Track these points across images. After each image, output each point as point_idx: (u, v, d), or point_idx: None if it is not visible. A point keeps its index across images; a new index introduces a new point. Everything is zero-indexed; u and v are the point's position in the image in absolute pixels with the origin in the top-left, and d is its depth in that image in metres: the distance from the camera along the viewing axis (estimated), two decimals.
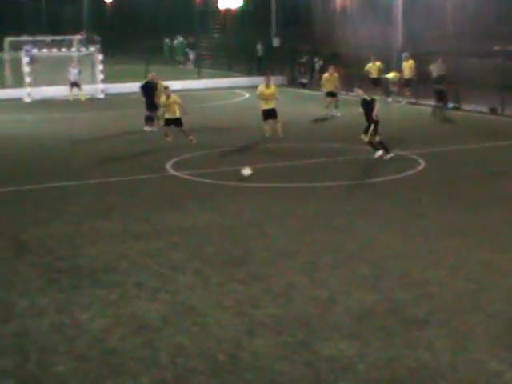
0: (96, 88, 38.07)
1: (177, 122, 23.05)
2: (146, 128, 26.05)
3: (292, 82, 42.61)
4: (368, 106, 20.42)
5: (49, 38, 45.81)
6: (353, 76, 35.98)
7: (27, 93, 36.48)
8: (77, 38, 46.58)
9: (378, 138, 20.18)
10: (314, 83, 40.87)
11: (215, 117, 30.37)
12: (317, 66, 40.59)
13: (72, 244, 13.28)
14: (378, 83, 34.94)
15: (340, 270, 11.68)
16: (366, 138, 20.27)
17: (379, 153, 20.12)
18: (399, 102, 33.94)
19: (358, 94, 21.45)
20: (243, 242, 13.21)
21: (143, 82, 26.78)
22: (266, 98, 24.07)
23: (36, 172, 19.64)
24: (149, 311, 10.10)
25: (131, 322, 9.77)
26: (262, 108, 24.20)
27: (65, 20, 68.15)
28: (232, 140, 24.01)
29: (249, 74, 45.76)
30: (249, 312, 10.01)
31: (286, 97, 38.12)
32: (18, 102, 35.90)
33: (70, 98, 36.06)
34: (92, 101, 36.54)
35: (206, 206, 15.76)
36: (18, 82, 37.85)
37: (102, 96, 37.74)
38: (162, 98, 23.26)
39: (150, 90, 25.85)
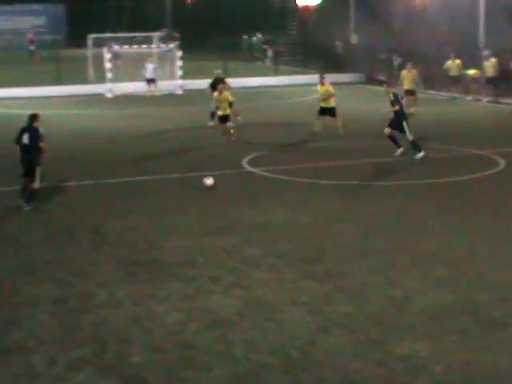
0: (175, 84, 38.43)
1: (225, 118, 22.90)
2: (210, 123, 26.37)
3: (370, 80, 42.26)
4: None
5: (130, 35, 46.45)
6: (432, 73, 35.48)
7: (108, 88, 37.08)
8: (157, 34, 47.06)
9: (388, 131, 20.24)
10: (393, 80, 40.44)
11: (291, 113, 30.34)
12: (395, 64, 40.16)
13: (150, 237, 13.46)
14: (457, 81, 34.40)
15: (415, 269, 11.54)
16: (411, 137, 20.05)
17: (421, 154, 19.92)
18: (479, 100, 33.33)
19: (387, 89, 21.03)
20: (318, 240, 13.17)
21: (212, 80, 27.00)
22: (322, 97, 23.89)
23: (116, 165, 19.93)
24: (223, 306, 10.16)
25: (206, 316, 9.85)
26: (319, 105, 24.06)
27: (146, 17, 69.08)
28: (308, 137, 23.93)
29: (326, 71, 45.52)
30: (323, 309, 9.99)
31: (363, 94, 37.88)
32: (99, 97, 36.53)
33: (147, 94, 36.50)
34: (170, 96, 36.90)
35: (282, 203, 15.77)
36: (100, 78, 38.48)
37: (180, 92, 38.08)
38: (215, 93, 23.35)
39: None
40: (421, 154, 19.83)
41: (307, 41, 50.39)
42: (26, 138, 15.18)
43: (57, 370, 8.45)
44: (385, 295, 10.47)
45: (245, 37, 58.81)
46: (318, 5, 49.60)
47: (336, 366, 8.44)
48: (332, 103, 23.93)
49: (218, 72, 27.67)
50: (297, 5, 51.78)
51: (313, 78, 42.96)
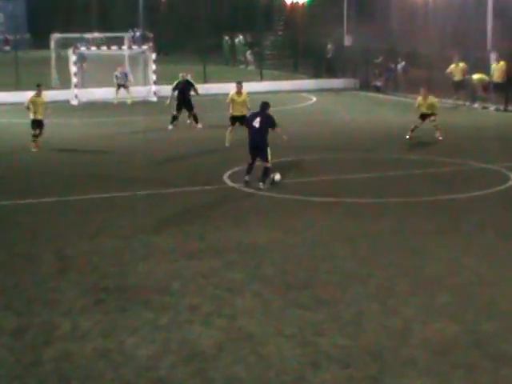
0: (148, 90, 38.43)
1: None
2: (170, 127, 28.34)
3: (365, 86, 42.45)
4: None
5: (98, 35, 46.45)
6: (434, 78, 35.69)
7: (74, 95, 37.03)
8: (128, 35, 47.09)
9: None
10: (391, 86, 40.64)
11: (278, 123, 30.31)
12: (398, 67, 40.24)
13: (120, 261, 13.41)
14: (461, 87, 34.61)
15: (417, 296, 11.55)
16: None
17: None
18: (486, 108, 33.53)
19: None
20: (308, 263, 13.16)
21: (175, 83, 28.72)
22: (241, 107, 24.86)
23: (82, 181, 19.87)
24: (202, 337, 10.12)
25: (182, 348, 9.81)
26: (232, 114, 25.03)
27: (116, 15, 69.18)
28: (296, 149, 23.97)
29: (317, 76, 45.71)
30: (313, 341, 9.96)
31: (358, 102, 38.03)
32: (64, 104, 36.45)
33: (115, 101, 36.46)
34: (144, 104, 36.92)
35: (267, 222, 15.77)
36: (65, 83, 38.42)
37: (154, 99, 38.08)
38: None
39: (180, 90, 28.48)
40: None
41: (296, 43, 50.57)
42: (257, 122, 18.59)
43: None
44: (383, 325, 10.46)
45: (226, 38, 58.99)
46: (307, 2, 49.80)
47: None
48: (244, 112, 24.58)
49: (183, 75, 29.00)
50: (284, 3, 51.97)
51: (302, 83, 43.32)
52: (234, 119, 24.76)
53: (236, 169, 20.74)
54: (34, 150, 24.04)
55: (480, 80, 33.51)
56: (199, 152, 23.82)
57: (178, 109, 28.36)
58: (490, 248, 13.97)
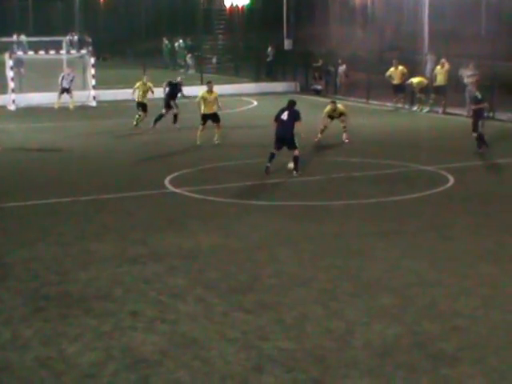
0: (87, 95, 38.12)
1: None
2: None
3: (305, 89, 42.65)
4: None
5: (35, 40, 45.99)
6: (374, 82, 36.02)
7: (11, 100, 36.59)
8: (67, 39, 46.70)
9: None
10: (331, 90, 40.90)
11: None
12: (339, 70, 40.45)
13: (61, 268, 13.29)
14: (401, 90, 34.98)
15: (359, 298, 11.65)
16: None
17: None
18: (426, 111, 33.87)
19: None
20: (251, 267, 13.19)
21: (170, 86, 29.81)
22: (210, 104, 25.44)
23: (21, 187, 19.66)
24: (145, 344, 10.08)
25: (125, 355, 9.75)
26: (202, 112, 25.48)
27: (54, 19, 68.57)
28: (239, 153, 24.03)
29: (257, 79, 45.84)
30: (256, 345, 9.99)
31: (298, 105, 38.11)
32: (1, 109, 36.02)
33: (56, 106, 36.09)
34: (83, 109, 36.62)
35: (210, 227, 15.76)
36: (1, 88, 37.93)
37: (93, 104, 37.82)
38: None
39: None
40: None
41: (236, 46, 50.63)
42: (285, 115, 20.31)
43: None
44: (325, 328, 10.53)
45: (166, 42, 58.81)
46: (246, 6, 49.86)
47: None
48: (215, 109, 25.47)
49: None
50: (224, 6, 51.96)
51: (243, 87, 43.36)
52: (205, 117, 25.27)
53: (177, 173, 20.72)
54: None
55: (419, 83, 33.84)
56: (140, 157, 23.70)
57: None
58: (430, 249, 14.15)
